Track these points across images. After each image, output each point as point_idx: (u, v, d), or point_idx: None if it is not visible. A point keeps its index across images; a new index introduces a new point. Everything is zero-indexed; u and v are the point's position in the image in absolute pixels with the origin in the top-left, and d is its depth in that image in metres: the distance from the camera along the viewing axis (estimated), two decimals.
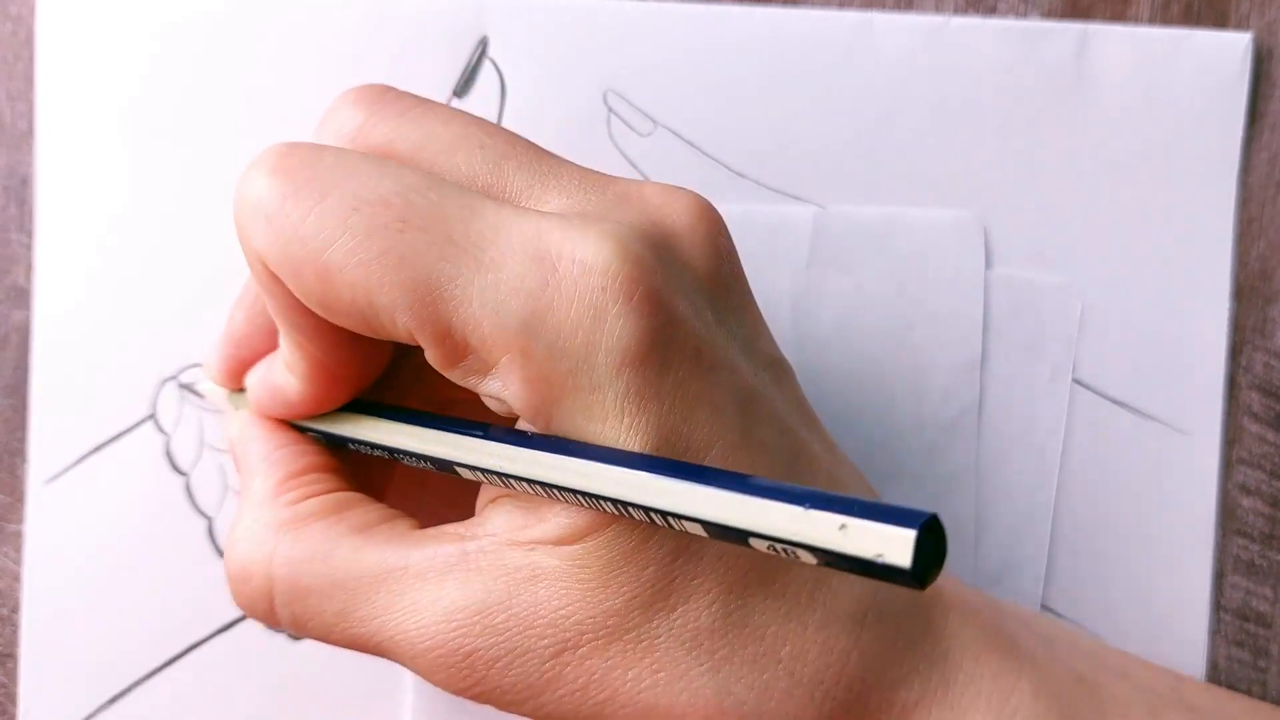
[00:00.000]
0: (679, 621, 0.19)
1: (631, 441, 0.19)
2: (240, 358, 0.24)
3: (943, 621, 0.21)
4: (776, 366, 0.22)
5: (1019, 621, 0.24)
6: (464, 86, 0.29)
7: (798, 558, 0.16)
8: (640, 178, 0.29)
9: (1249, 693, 0.29)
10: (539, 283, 0.18)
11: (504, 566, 0.20)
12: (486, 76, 0.29)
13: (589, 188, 0.21)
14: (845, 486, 0.21)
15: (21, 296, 0.29)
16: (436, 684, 0.20)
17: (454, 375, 0.20)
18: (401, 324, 0.19)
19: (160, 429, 0.29)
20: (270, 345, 0.23)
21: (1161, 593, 0.29)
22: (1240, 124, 0.29)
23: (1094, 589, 0.29)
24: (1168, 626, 0.29)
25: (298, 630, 0.22)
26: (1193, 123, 0.29)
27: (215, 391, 0.25)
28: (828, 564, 0.16)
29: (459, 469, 0.21)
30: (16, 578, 0.29)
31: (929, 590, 0.22)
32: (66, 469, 0.29)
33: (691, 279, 0.20)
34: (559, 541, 0.19)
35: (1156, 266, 0.29)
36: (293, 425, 0.23)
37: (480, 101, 0.29)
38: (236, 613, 0.29)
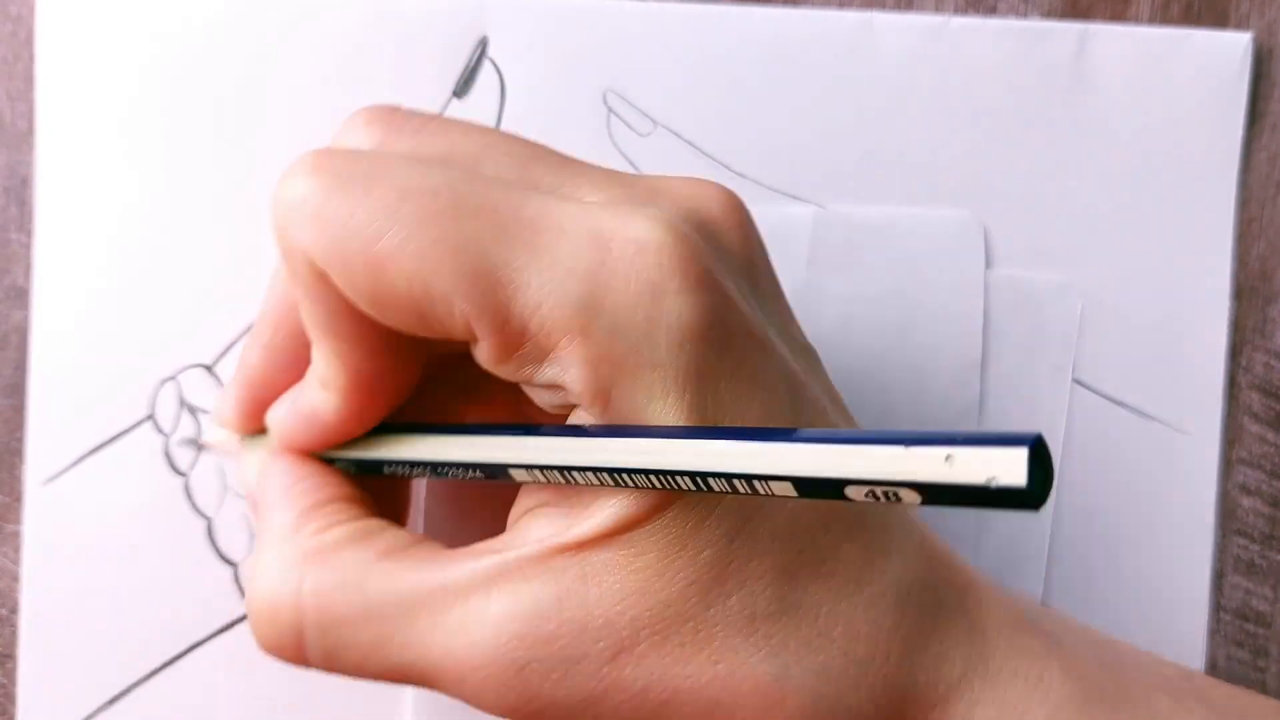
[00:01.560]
0: (735, 607, 0.19)
1: (696, 418, 0.18)
2: (258, 399, 0.23)
3: (975, 601, 0.21)
4: (808, 353, 0.22)
5: (1037, 609, 0.24)
6: (464, 86, 0.29)
7: (898, 498, 0.16)
8: None
9: None
10: (595, 262, 0.18)
11: (551, 571, 0.19)
12: (486, 76, 0.29)
13: (617, 184, 0.21)
14: None
15: (21, 297, 0.29)
16: (486, 708, 0.20)
17: (506, 369, 0.19)
18: (459, 312, 0.18)
19: (159, 429, 0.29)
20: (289, 382, 0.23)
21: (1161, 592, 0.29)
22: (1240, 124, 0.29)
23: (1094, 588, 0.29)
24: (1167, 626, 0.29)
25: (329, 666, 0.21)
26: (1193, 122, 0.29)
27: (226, 439, 0.24)
28: (933, 500, 0.15)
29: (514, 471, 0.20)
30: (15, 578, 0.29)
31: (958, 571, 0.22)
32: (65, 469, 0.29)
33: (730, 265, 0.20)
34: (612, 533, 0.19)
35: (1156, 266, 0.29)
36: (319, 457, 0.23)
37: (480, 101, 0.29)
38: (236, 613, 0.29)
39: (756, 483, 0.17)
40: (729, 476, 0.17)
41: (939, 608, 0.21)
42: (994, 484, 0.15)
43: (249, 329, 0.29)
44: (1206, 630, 0.29)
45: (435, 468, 0.21)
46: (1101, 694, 0.21)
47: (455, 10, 0.29)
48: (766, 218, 0.29)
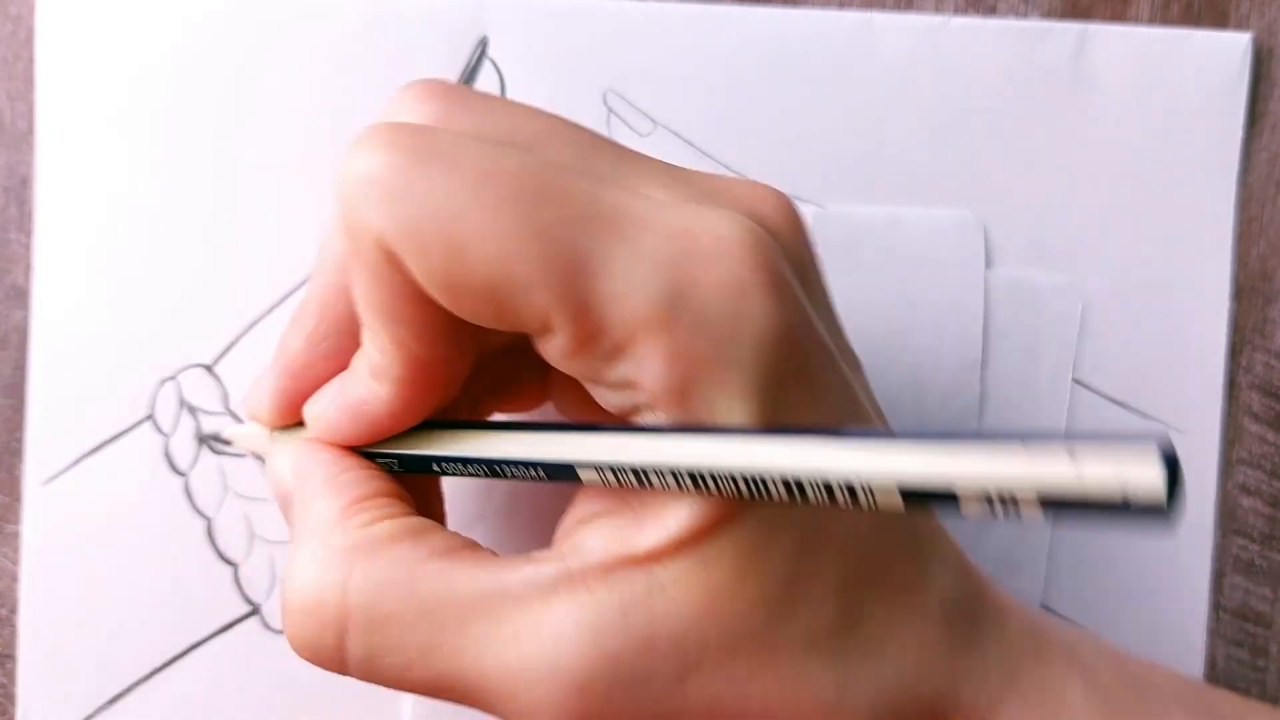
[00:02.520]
0: (801, 622, 0.18)
1: (766, 423, 0.18)
2: (298, 390, 0.22)
3: (1004, 615, 0.21)
4: (858, 366, 0.22)
5: (1052, 622, 0.24)
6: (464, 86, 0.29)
7: (1016, 510, 0.14)
8: None
9: (1247, 693, 0.29)
10: (680, 255, 0.17)
11: (616, 583, 0.18)
12: (486, 76, 0.29)
13: (679, 179, 0.20)
14: None
15: (20, 296, 0.29)
16: None
17: (577, 364, 0.18)
18: (539, 302, 0.17)
19: (158, 429, 0.29)
20: (330, 373, 0.21)
21: (1161, 592, 0.29)
22: (1240, 124, 0.29)
23: (1094, 589, 0.29)
24: (1167, 626, 0.29)
25: (368, 670, 0.19)
26: (1193, 122, 0.29)
27: (253, 434, 0.23)
28: (1055, 511, 0.14)
29: (583, 472, 0.18)
30: (14, 578, 0.29)
31: (985, 584, 0.22)
32: (64, 469, 0.29)
33: (793, 268, 0.20)
34: (682, 544, 0.18)
35: (1156, 266, 0.29)
36: (361, 452, 0.21)
37: None
38: (236, 613, 0.29)
39: (860, 492, 0.16)
40: (828, 484, 0.16)
41: (975, 623, 0.21)
42: (1127, 493, 0.13)
43: (249, 328, 0.29)
44: (1206, 630, 0.29)
45: (492, 466, 0.20)
46: (1121, 708, 0.21)
47: (455, 10, 0.29)
48: None
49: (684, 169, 0.20)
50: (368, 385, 0.20)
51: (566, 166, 0.18)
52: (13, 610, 0.29)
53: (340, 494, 0.20)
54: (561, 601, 0.18)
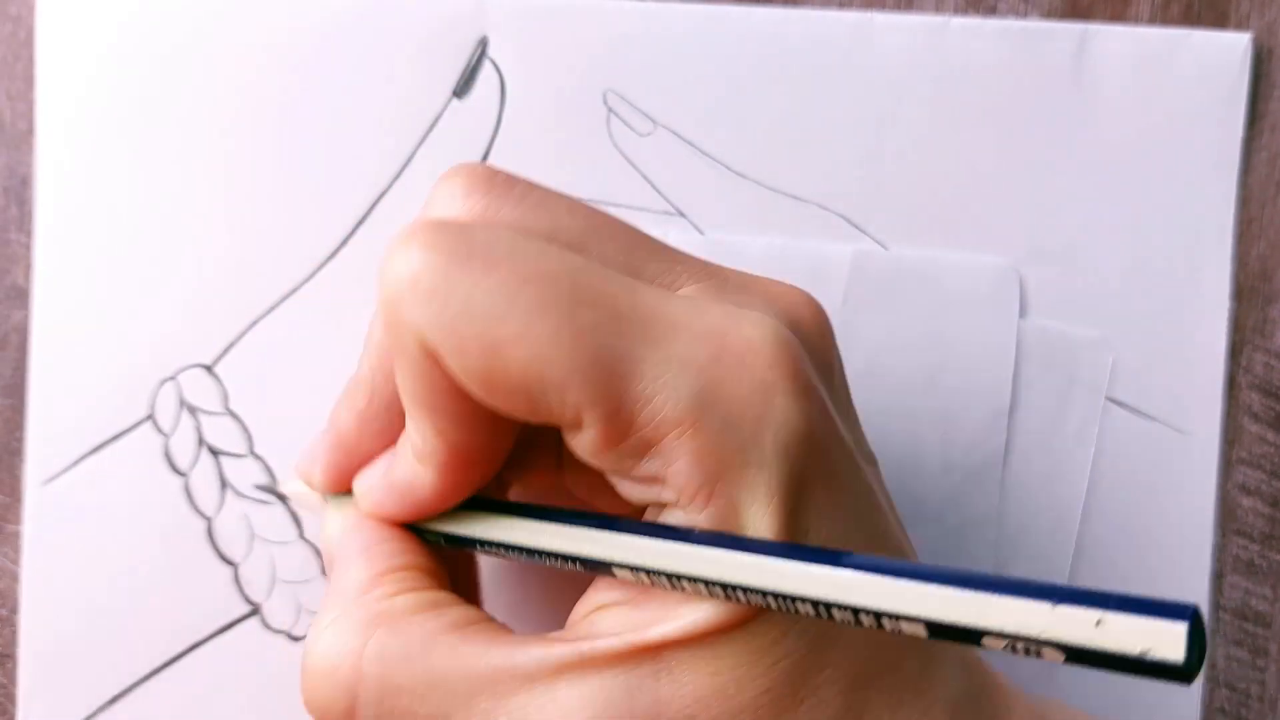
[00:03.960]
0: (804, 714, 0.19)
1: (789, 525, 0.18)
2: (349, 463, 0.22)
3: (1012, 710, 0.21)
4: (875, 463, 0.22)
5: (1052, 708, 0.24)
6: (464, 87, 0.29)
7: (1040, 655, 0.15)
8: (640, 178, 0.29)
9: (1247, 691, 0.29)
10: (710, 358, 0.18)
11: (624, 666, 0.19)
12: (486, 77, 0.29)
13: (714, 276, 0.21)
14: None
15: (20, 296, 0.29)
16: None
17: (605, 459, 0.19)
18: (572, 401, 0.18)
19: (159, 429, 0.29)
20: (380, 448, 0.22)
21: (1161, 592, 0.29)
22: (1240, 124, 0.29)
23: (1091, 587, 0.29)
24: None
25: None
26: (1192, 122, 0.29)
27: (308, 495, 0.24)
28: (1076, 661, 0.15)
29: (619, 570, 0.19)
30: (15, 578, 0.29)
31: (990, 677, 0.22)
32: (65, 469, 0.29)
33: (818, 370, 0.20)
34: (696, 638, 0.18)
35: (1156, 266, 0.29)
36: (409, 526, 0.22)
37: (480, 102, 0.29)
38: (236, 613, 0.29)
39: (885, 619, 0.17)
40: (857, 610, 0.17)
41: (980, 716, 0.21)
42: (1149, 657, 0.14)
43: (249, 329, 0.29)
44: (1206, 630, 0.29)
45: (533, 553, 0.20)
46: None
47: (455, 11, 0.29)
48: (805, 253, 0.29)
49: (718, 266, 0.21)
50: (413, 468, 0.21)
51: (604, 266, 0.19)
52: (13, 610, 0.29)
53: (372, 563, 0.21)
54: (569, 681, 0.19)
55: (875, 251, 0.29)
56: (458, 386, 0.19)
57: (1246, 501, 0.29)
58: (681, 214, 0.29)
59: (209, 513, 0.29)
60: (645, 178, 0.29)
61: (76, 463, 0.29)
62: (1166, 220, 0.29)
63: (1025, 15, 0.30)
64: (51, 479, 0.29)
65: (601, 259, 0.20)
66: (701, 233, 0.29)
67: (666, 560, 0.18)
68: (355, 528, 0.22)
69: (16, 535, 0.29)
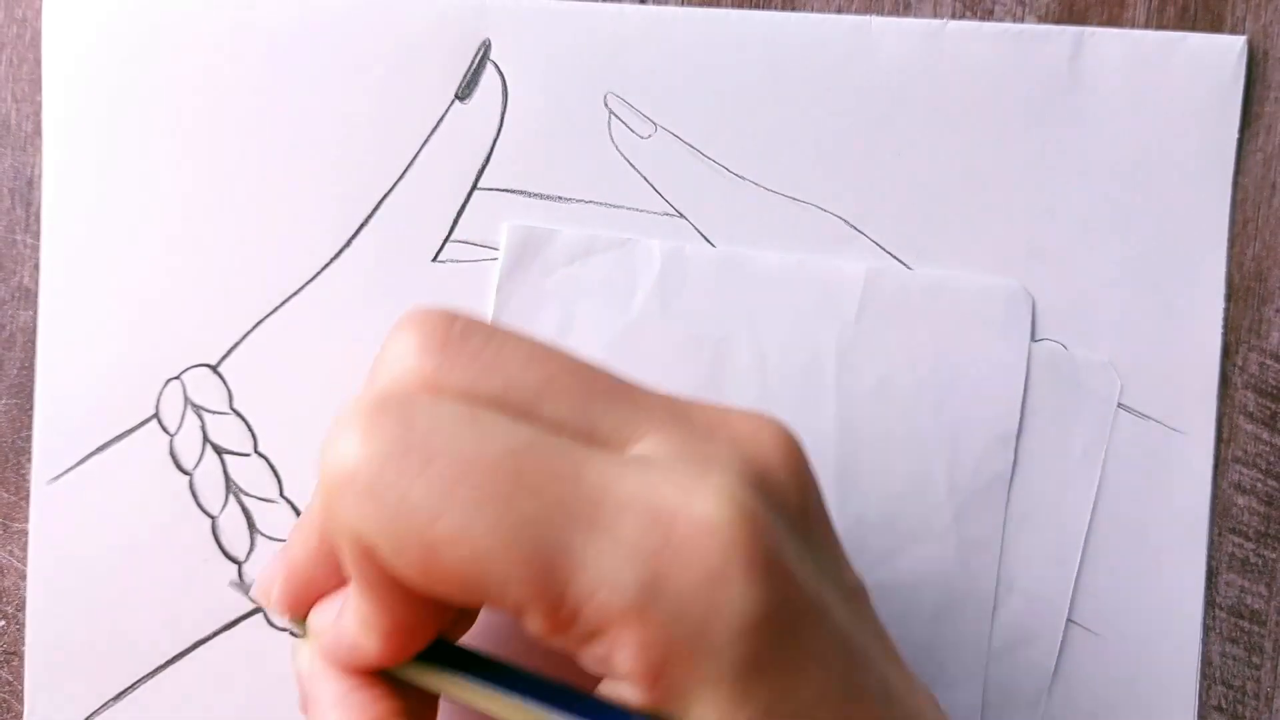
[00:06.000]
0: None
1: (744, 708, 0.18)
2: (305, 593, 0.23)
3: None
4: (858, 595, 0.22)
5: None
6: (466, 89, 0.29)
7: None
8: (641, 179, 0.29)
9: (1243, 689, 0.30)
10: (657, 544, 0.18)
11: None
12: (489, 79, 0.29)
13: (678, 421, 0.20)
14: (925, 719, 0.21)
15: (27, 297, 0.29)
16: None
17: (552, 642, 0.19)
18: (513, 595, 0.18)
19: (164, 429, 0.29)
20: (335, 583, 0.22)
21: (1156, 590, 0.29)
22: (1235, 126, 0.29)
23: (1088, 586, 0.29)
24: (1162, 623, 0.29)
25: None
26: (1188, 125, 0.29)
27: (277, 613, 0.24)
28: None
29: None
30: (22, 576, 0.29)
31: None
32: (71, 468, 0.29)
33: (788, 519, 0.20)
34: None
35: (1152, 267, 0.29)
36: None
37: (483, 104, 0.29)
38: (240, 611, 0.29)
39: None
40: None
41: None
42: None
43: (254, 328, 0.29)
44: (1201, 627, 0.29)
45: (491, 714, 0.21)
46: None
47: (458, 13, 0.29)
48: (818, 272, 0.29)
49: (684, 405, 0.20)
50: (359, 631, 0.21)
51: (556, 432, 0.19)
52: (20, 608, 0.29)
53: (348, 715, 0.21)
54: None
55: (889, 269, 0.29)
56: (396, 576, 0.19)
57: (1241, 500, 0.30)
58: (682, 215, 0.29)
59: (213, 511, 0.29)
60: (646, 179, 0.29)
61: (82, 461, 0.29)
62: (1162, 221, 0.30)
63: (1021, 19, 0.30)
64: (57, 477, 0.29)
65: (554, 420, 0.19)
66: (713, 245, 0.29)
67: None
68: (324, 674, 0.22)
69: (23, 533, 0.29)
